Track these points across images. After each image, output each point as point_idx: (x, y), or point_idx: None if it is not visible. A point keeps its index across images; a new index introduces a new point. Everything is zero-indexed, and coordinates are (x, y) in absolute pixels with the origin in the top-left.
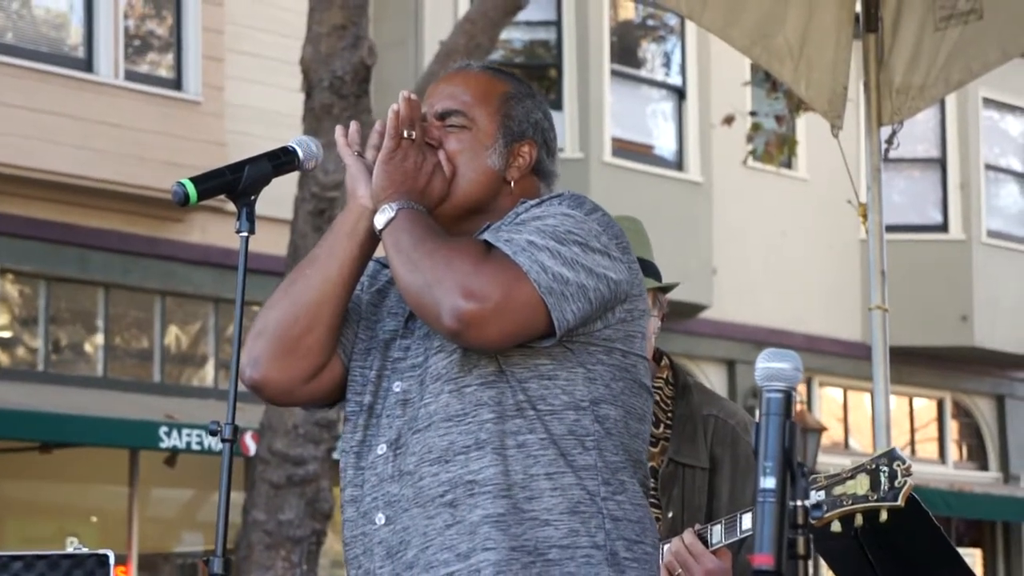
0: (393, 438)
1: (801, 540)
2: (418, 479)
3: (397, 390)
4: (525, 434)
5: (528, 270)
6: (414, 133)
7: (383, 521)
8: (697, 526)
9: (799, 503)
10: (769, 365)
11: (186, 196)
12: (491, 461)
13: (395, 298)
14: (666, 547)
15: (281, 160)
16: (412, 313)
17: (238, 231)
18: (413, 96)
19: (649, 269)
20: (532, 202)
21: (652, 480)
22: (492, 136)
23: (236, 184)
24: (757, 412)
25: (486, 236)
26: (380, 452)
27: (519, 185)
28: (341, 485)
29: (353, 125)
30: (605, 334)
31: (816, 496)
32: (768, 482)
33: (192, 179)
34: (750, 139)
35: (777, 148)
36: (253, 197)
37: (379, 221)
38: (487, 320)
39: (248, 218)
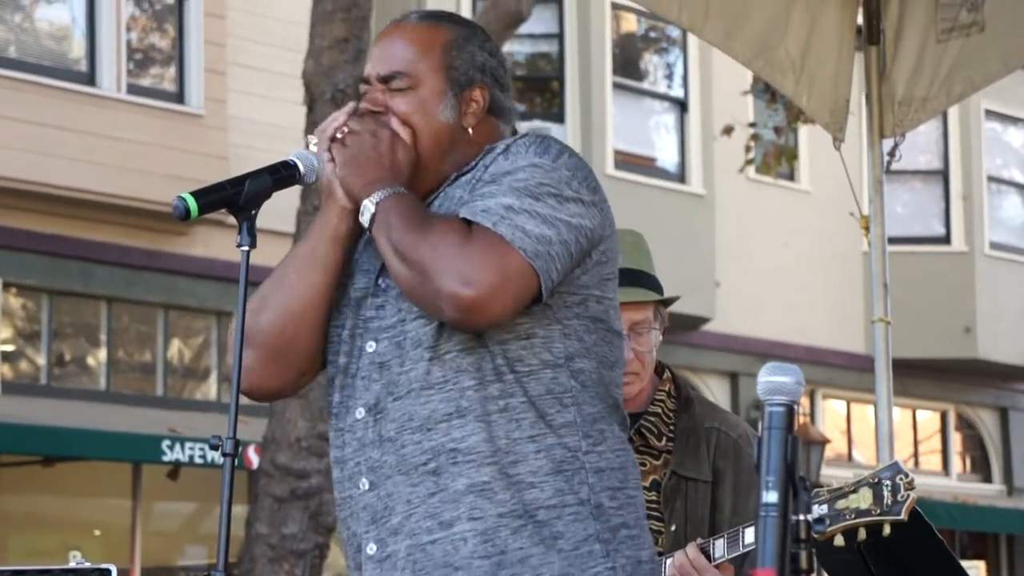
0: (372, 403)
1: (804, 555)
2: (400, 446)
3: (370, 350)
4: (507, 398)
5: (512, 239)
6: (346, 128)
7: (367, 487)
8: (700, 540)
9: (802, 517)
10: (771, 379)
11: (187, 210)
12: (474, 429)
13: (368, 255)
14: (669, 561)
15: (282, 174)
16: (383, 269)
17: (239, 245)
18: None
19: (650, 282)
20: (499, 149)
21: (655, 493)
22: (440, 91)
23: (237, 198)
24: (760, 425)
25: (462, 212)
26: (359, 416)
27: (477, 130)
28: (330, 443)
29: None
30: (582, 280)
31: (819, 510)
32: (770, 496)
33: (193, 193)
34: (748, 150)
35: (775, 159)
36: (254, 211)
37: (364, 221)
38: (488, 302)
39: (249, 232)
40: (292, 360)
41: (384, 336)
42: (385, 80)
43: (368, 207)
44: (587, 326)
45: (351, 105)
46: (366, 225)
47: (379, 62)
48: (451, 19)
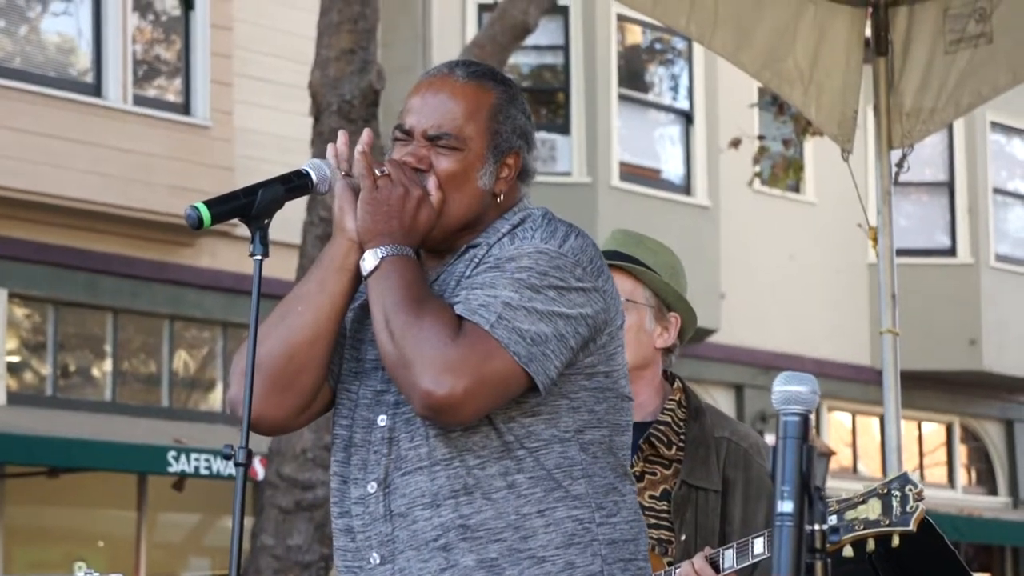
0: (381, 477)
1: (819, 564)
2: (411, 522)
3: (382, 424)
4: (513, 474)
5: (507, 344)
6: (385, 168)
7: (378, 561)
8: (708, 550)
9: (817, 527)
10: (786, 388)
11: (200, 220)
12: (481, 506)
13: None
14: (677, 571)
15: (294, 183)
16: None
17: (252, 254)
18: (365, 139)
19: (639, 265)
20: (504, 230)
21: (665, 503)
22: (483, 157)
23: (250, 208)
24: (766, 436)
25: (458, 308)
26: (371, 491)
27: (506, 197)
28: (331, 505)
29: (342, 136)
30: (587, 361)
31: (829, 520)
32: (786, 506)
33: (206, 202)
34: (756, 162)
35: (783, 171)
36: (267, 221)
37: (364, 268)
38: (457, 405)
39: (262, 241)
40: (294, 392)
41: (395, 412)
42: (432, 139)
43: (370, 259)
44: (596, 396)
45: (367, 134)
46: (365, 273)
47: (426, 117)
48: (494, 77)
